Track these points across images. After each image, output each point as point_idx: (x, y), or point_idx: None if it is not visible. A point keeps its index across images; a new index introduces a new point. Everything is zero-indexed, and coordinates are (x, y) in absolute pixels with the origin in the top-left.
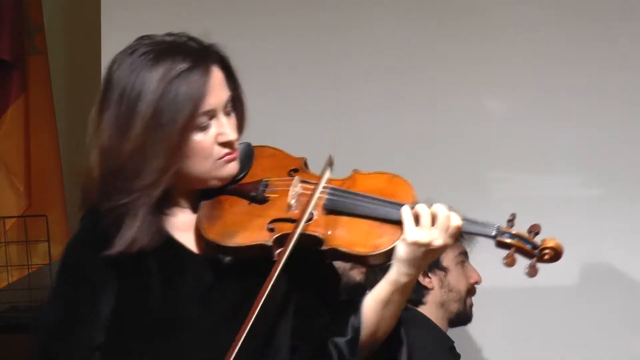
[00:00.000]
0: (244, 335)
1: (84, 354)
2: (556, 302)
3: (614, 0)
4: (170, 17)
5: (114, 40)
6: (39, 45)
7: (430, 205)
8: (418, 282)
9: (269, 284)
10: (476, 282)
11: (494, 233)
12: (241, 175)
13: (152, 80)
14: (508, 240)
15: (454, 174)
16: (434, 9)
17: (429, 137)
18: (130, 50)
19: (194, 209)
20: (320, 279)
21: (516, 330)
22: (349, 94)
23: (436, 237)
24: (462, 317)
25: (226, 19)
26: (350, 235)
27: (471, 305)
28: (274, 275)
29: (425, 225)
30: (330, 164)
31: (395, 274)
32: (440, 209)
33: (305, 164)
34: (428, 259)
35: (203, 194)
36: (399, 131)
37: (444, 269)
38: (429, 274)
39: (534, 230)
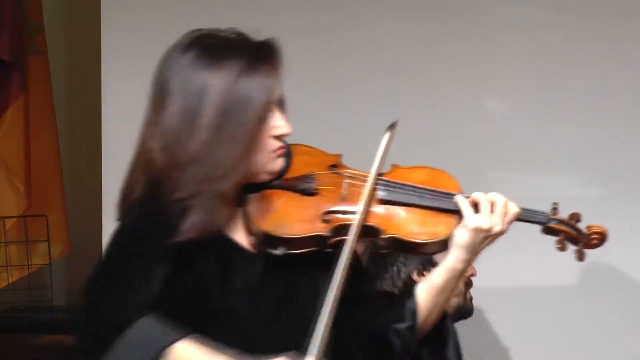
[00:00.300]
0: (323, 327)
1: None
2: (556, 302)
3: (614, 0)
4: (170, 17)
5: (114, 40)
6: (39, 45)
7: (486, 194)
8: (414, 281)
9: (339, 276)
10: (472, 275)
11: (544, 220)
12: (284, 171)
13: (219, 73)
14: (557, 226)
15: (454, 174)
16: (434, 9)
17: (429, 137)
18: (183, 47)
19: (240, 204)
20: (357, 272)
21: (516, 330)
22: (349, 94)
23: (497, 223)
24: (464, 311)
25: (226, 19)
26: (407, 225)
27: (471, 299)
28: (343, 265)
29: (485, 212)
30: (387, 147)
31: (453, 261)
32: (497, 197)
33: (341, 160)
34: (484, 245)
35: (247, 190)
36: (399, 131)
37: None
38: (424, 272)
39: (575, 217)
